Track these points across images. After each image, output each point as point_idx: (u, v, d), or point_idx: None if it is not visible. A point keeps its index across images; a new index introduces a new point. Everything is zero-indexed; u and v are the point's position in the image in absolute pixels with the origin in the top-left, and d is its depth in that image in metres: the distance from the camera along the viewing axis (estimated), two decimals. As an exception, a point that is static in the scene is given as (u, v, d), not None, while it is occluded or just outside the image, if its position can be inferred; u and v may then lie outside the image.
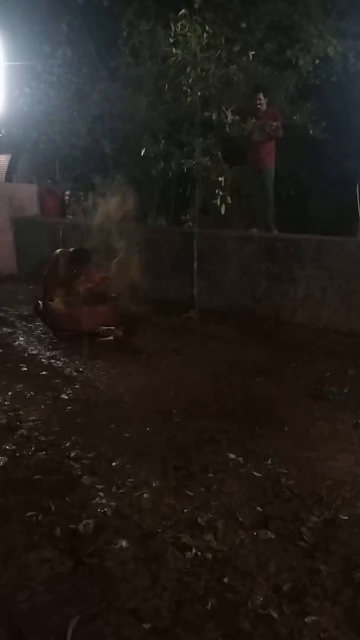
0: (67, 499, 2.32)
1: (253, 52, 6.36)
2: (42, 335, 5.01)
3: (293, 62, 6.90)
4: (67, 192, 10.27)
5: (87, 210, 5.73)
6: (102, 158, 7.88)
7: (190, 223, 6.05)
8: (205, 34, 5.68)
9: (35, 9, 7.59)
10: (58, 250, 5.58)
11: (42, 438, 2.91)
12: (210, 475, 2.58)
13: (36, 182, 10.26)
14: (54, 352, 4.50)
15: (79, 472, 2.55)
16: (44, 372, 4.02)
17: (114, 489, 2.41)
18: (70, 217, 8.70)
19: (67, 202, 10.04)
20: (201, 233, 6.14)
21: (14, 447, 2.80)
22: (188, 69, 5.75)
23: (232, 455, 2.78)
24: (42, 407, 3.35)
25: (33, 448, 2.79)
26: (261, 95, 6.26)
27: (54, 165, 11.49)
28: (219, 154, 5.82)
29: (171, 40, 5.82)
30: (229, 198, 5.68)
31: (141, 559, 1.95)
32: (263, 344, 4.90)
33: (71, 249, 5.57)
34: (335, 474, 2.62)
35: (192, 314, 5.88)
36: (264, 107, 6.25)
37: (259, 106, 6.21)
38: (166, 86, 6.37)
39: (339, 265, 5.33)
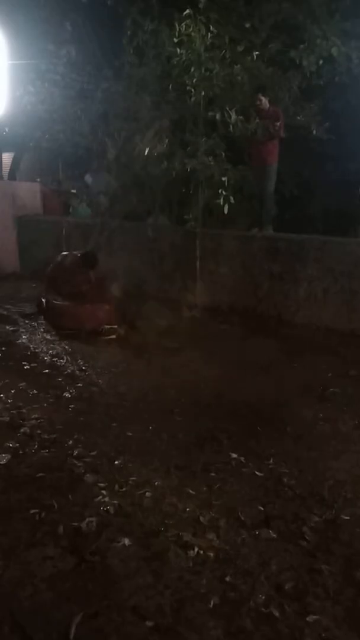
0: (69, 497, 2.33)
1: (257, 52, 6.36)
2: (45, 334, 5.02)
3: (297, 62, 6.88)
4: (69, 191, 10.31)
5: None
6: (105, 157, 7.87)
7: (193, 222, 6.05)
8: (209, 34, 5.71)
9: (39, 7, 7.59)
10: (65, 253, 5.61)
11: (45, 436, 2.92)
12: (212, 474, 2.59)
13: (39, 180, 10.29)
14: (56, 351, 4.51)
15: (82, 471, 2.56)
16: (46, 371, 4.03)
17: (116, 487, 2.42)
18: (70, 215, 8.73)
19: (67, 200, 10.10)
20: (204, 232, 6.14)
21: (17, 444, 2.81)
22: (192, 69, 5.78)
23: (233, 455, 2.78)
24: (45, 405, 3.36)
25: (36, 446, 2.80)
26: (261, 96, 6.27)
27: (57, 163, 11.49)
28: (223, 153, 5.83)
29: (175, 40, 5.84)
30: (232, 198, 5.68)
31: (143, 557, 1.96)
32: (265, 343, 4.90)
33: (78, 253, 5.58)
34: (336, 474, 2.63)
35: (194, 313, 5.89)
36: (265, 106, 6.25)
37: (259, 106, 6.21)
38: (170, 86, 6.37)
39: (341, 265, 5.33)
